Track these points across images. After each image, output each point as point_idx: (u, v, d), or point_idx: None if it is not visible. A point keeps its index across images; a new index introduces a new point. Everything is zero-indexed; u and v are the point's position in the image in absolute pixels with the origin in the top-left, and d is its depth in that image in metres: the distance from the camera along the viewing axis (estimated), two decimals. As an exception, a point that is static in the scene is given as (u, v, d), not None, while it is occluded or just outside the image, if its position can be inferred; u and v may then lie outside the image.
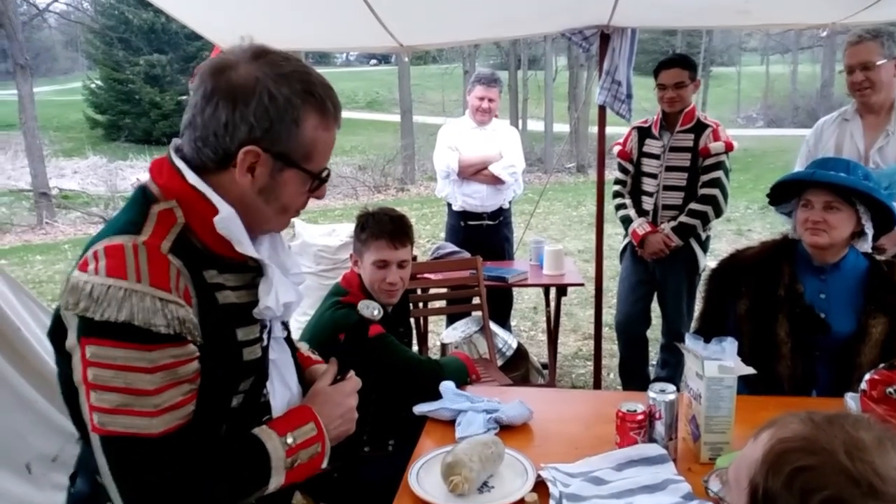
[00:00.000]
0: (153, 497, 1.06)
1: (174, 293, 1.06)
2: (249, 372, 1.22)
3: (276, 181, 1.17)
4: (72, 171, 17.86)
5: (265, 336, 1.27)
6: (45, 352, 2.45)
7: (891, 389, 1.53)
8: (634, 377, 3.75)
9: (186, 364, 1.09)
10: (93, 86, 23.58)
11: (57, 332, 1.11)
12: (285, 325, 1.41)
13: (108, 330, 1.02)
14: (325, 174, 1.22)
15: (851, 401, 1.68)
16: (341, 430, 1.31)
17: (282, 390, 1.32)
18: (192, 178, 1.14)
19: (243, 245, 1.17)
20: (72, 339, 1.06)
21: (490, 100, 4.10)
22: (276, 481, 1.18)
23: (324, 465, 1.26)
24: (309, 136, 1.16)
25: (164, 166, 1.17)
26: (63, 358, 1.10)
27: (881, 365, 1.66)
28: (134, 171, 16.42)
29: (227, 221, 1.14)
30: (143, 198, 1.16)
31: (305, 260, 4.07)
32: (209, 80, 1.13)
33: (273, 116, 1.12)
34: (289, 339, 1.43)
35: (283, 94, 1.12)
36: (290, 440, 1.20)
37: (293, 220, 4.48)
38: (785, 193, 2.15)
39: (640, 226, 3.48)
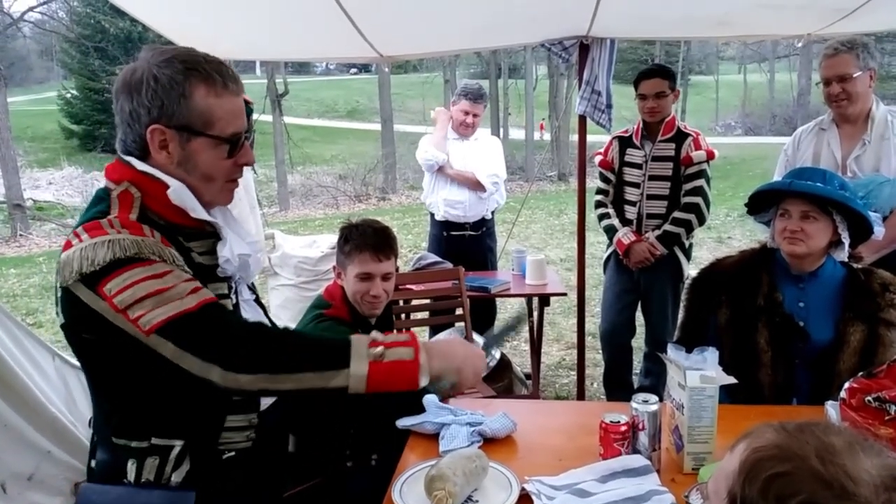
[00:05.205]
0: (231, 352, 1.22)
1: (151, 238, 1.25)
2: None
3: (187, 152, 1.33)
4: (46, 182, 17.67)
5: (233, 296, 1.46)
6: (20, 369, 2.40)
7: (870, 398, 1.54)
8: (619, 386, 3.75)
9: (183, 270, 1.27)
10: (68, 95, 23.34)
11: (74, 313, 1.24)
12: (252, 290, 1.60)
13: (109, 268, 1.20)
14: (236, 138, 1.35)
15: (832, 409, 1.69)
16: (440, 364, 1.37)
17: None
18: (139, 165, 1.33)
19: (196, 211, 1.34)
20: (92, 298, 1.21)
21: (475, 115, 4.11)
22: (358, 367, 1.26)
23: (421, 382, 1.33)
24: (201, 104, 1.30)
25: (115, 165, 1.37)
26: (90, 329, 1.24)
27: (860, 374, 1.67)
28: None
29: (179, 191, 1.32)
30: (104, 193, 1.34)
31: (286, 272, 4.04)
32: (116, 84, 1.33)
33: (162, 95, 1.28)
34: (259, 302, 1.62)
35: (166, 74, 1.28)
36: (375, 335, 1.33)
37: (273, 231, 4.44)
38: (763, 203, 2.17)
39: (625, 235, 3.49)
